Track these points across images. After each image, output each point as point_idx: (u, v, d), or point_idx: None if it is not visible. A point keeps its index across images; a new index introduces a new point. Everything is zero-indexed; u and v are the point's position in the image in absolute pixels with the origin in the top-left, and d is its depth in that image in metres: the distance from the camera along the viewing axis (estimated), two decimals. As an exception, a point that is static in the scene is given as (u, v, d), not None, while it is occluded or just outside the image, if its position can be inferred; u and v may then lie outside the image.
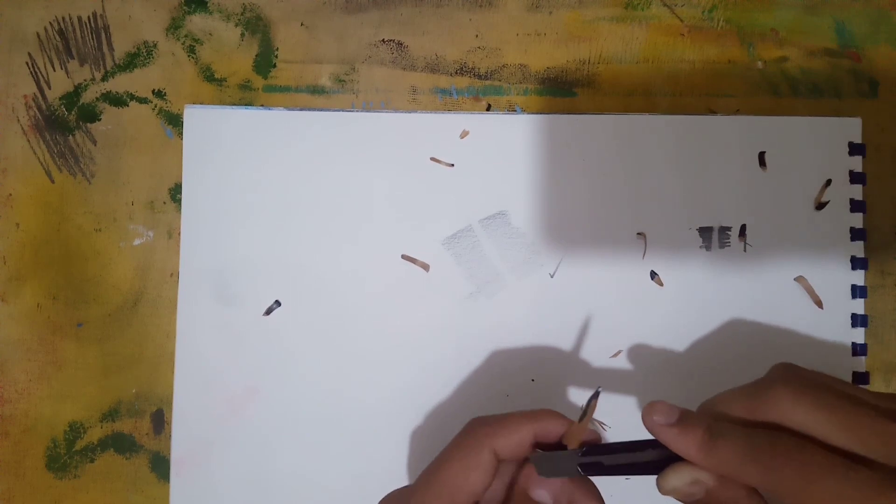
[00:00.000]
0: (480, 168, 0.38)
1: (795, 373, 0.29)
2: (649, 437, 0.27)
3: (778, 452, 0.25)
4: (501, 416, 0.29)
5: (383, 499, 0.30)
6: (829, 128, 0.38)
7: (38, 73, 0.39)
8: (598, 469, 0.27)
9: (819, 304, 0.37)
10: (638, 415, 0.28)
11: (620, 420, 0.37)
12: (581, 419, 0.28)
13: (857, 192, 0.38)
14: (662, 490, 0.27)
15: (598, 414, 0.37)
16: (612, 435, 0.37)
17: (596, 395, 0.29)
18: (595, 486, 0.29)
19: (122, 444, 0.38)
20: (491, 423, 0.28)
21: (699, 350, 0.37)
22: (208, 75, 0.39)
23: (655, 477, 0.28)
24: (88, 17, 0.40)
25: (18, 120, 0.39)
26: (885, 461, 0.24)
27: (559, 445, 0.28)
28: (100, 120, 0.39)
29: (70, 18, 0.40)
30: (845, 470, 0.24)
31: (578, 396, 0.37)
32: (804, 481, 0.24)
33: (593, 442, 0.29)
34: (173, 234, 0.39)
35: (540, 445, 0.28)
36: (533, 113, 0.38)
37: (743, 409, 0.27)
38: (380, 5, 0.40)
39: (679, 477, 0.27)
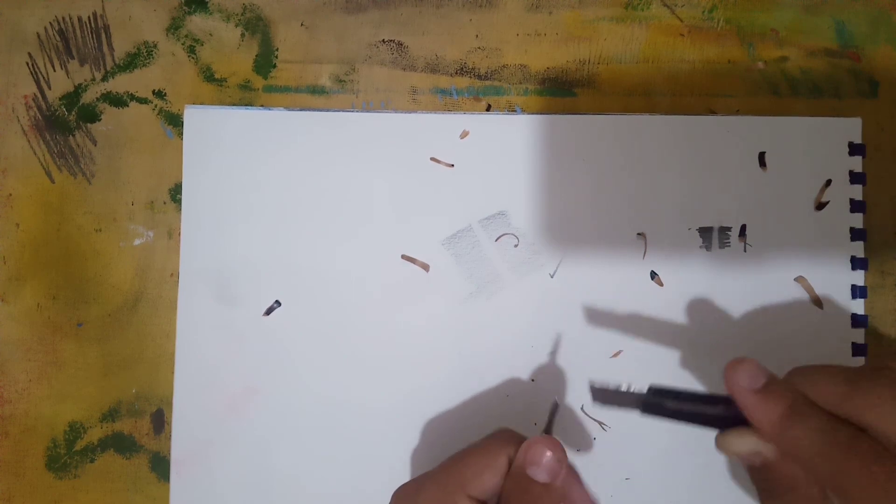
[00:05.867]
0: (480, 168, 0.38)
1: None
2: (714, 390, 0.27)
3: (854, 457, 0.24)
4: (524, 436, 0.30)
5: (399, 487, 0.31)
6: (829, 128, 0.38)
7: (38, 73, 0.39)
8: (658, 411, 0.27)
9: (819, 304, 0.37)
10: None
11: (620, 420, 0.37)
12: (545, 431, 0.29)
13: (857, 192, 0.38)
14: (721, 449, 0.27)
15: (598, 414, 0.37)
16: (612, 435, 0.37)
17: (555, 408, 0.30)
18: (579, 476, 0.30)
19: (122, 444, 0.38)
20: (515, 435, 0.30)
21: (699, 350, 0.37)
22: (208, 75, 0.39)
23: (715, 434, 0.27)
24: (88, 17, 0.40)
25: (18, 120, 0.39)
26: None
27: None
28: (100, 120, 0.39)
29: (70, 18, 0.40)
30: None
31: (579, 397, 0.37)
32: (871, 497, 0.23)
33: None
34: (173, 234, 0.39)
35: None
36: (533, 113, 0.38)
37: (834, 396, 0.25)
38: (380, 5, 0.40)
39: (744, 443, 0.26)
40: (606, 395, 0.28)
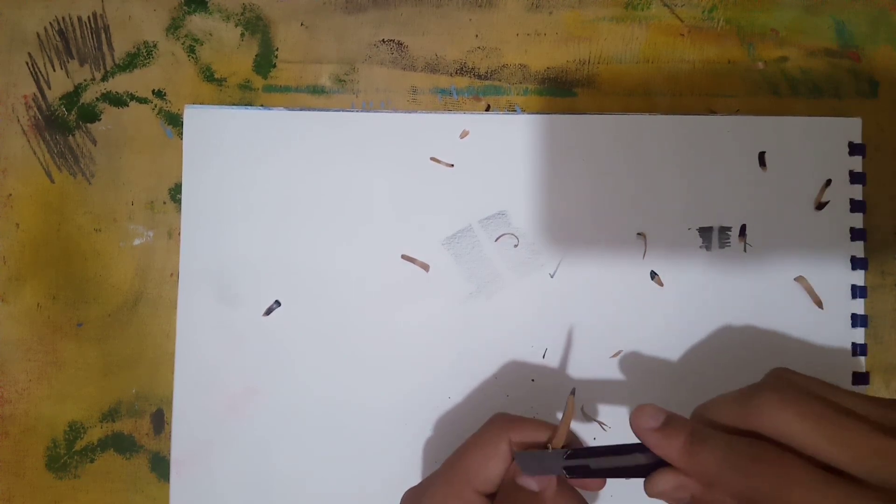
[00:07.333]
0: (480, 168, 0.38)
1: (787, 379, 0.28)
2: (636, 440, 0.28)
3: (756, 461, 0.25)
4: (522, 416, 0.30)
5: (408, 490, 0.31)
6: (829, 128, 0.38)
7: (38, 73, 0.39)
8: (583, 471, 0.28)
9: (819, 304, 0.37)
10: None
11: (620, 420, 0.37)
12: (563, 420, 0.29)
13: (857, 192, 0.38)
14: (649, 493, 0.27)
15: (598, 415, 0.37)
16: (612, 435, 0.37)
17: (572, 393, 0.30)
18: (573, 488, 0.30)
19: (122, 444, 0.38)
20: (512, 418, 0.30)
21: (699, 350, 0.37)
22: (208, 75, 0.39)
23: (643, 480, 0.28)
24: (88, 17, 0.40)
25: (18, 120, 0.39)
26: (873, 480, 0.23)
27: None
28: (100, 120, 0.39)
29: (70, 18, 0.40)
30: (825, 485, 0.24)
31: (579, 398, 0.37)
32: (780, 492, 0.24)
33: (576, 445, 0.29)
34: (173, 234, 0.39)
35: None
36: (533, 113, 0.38)
37: (732, 416, 0.27)
38: (380, 5, 0.40)
39: (665, 481, 0.27)
40: (530, 462, 0.28)
